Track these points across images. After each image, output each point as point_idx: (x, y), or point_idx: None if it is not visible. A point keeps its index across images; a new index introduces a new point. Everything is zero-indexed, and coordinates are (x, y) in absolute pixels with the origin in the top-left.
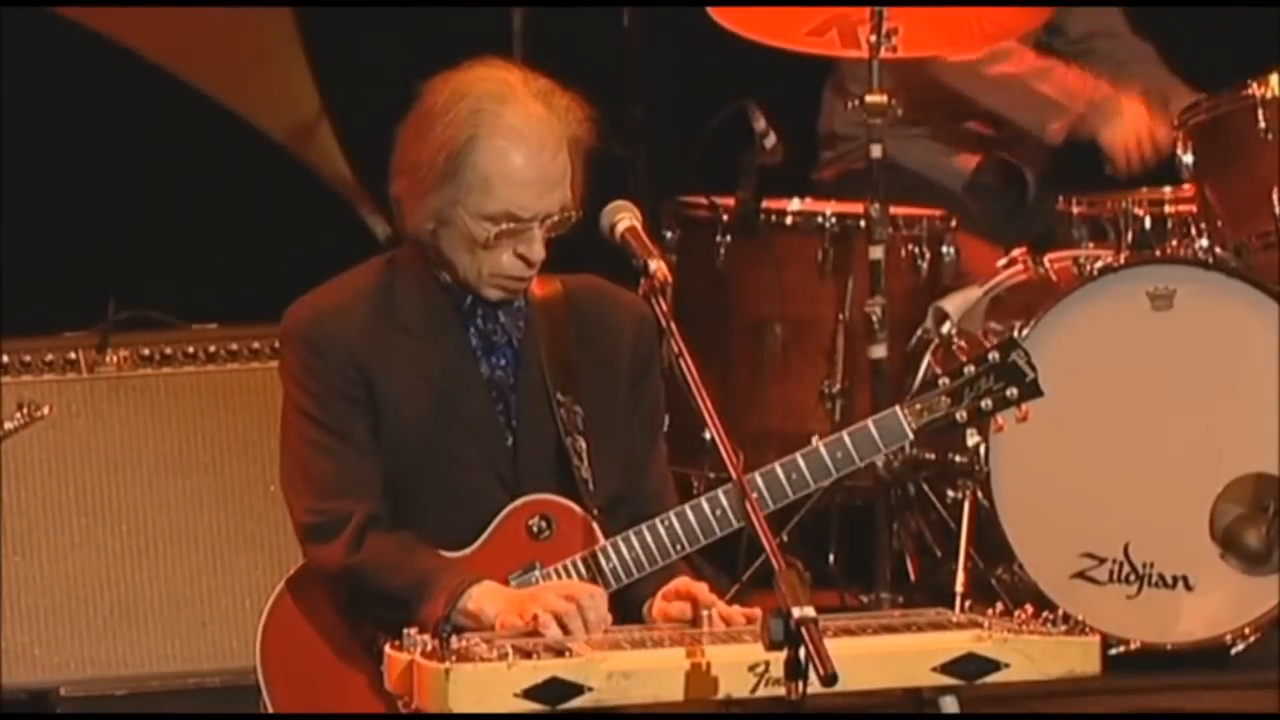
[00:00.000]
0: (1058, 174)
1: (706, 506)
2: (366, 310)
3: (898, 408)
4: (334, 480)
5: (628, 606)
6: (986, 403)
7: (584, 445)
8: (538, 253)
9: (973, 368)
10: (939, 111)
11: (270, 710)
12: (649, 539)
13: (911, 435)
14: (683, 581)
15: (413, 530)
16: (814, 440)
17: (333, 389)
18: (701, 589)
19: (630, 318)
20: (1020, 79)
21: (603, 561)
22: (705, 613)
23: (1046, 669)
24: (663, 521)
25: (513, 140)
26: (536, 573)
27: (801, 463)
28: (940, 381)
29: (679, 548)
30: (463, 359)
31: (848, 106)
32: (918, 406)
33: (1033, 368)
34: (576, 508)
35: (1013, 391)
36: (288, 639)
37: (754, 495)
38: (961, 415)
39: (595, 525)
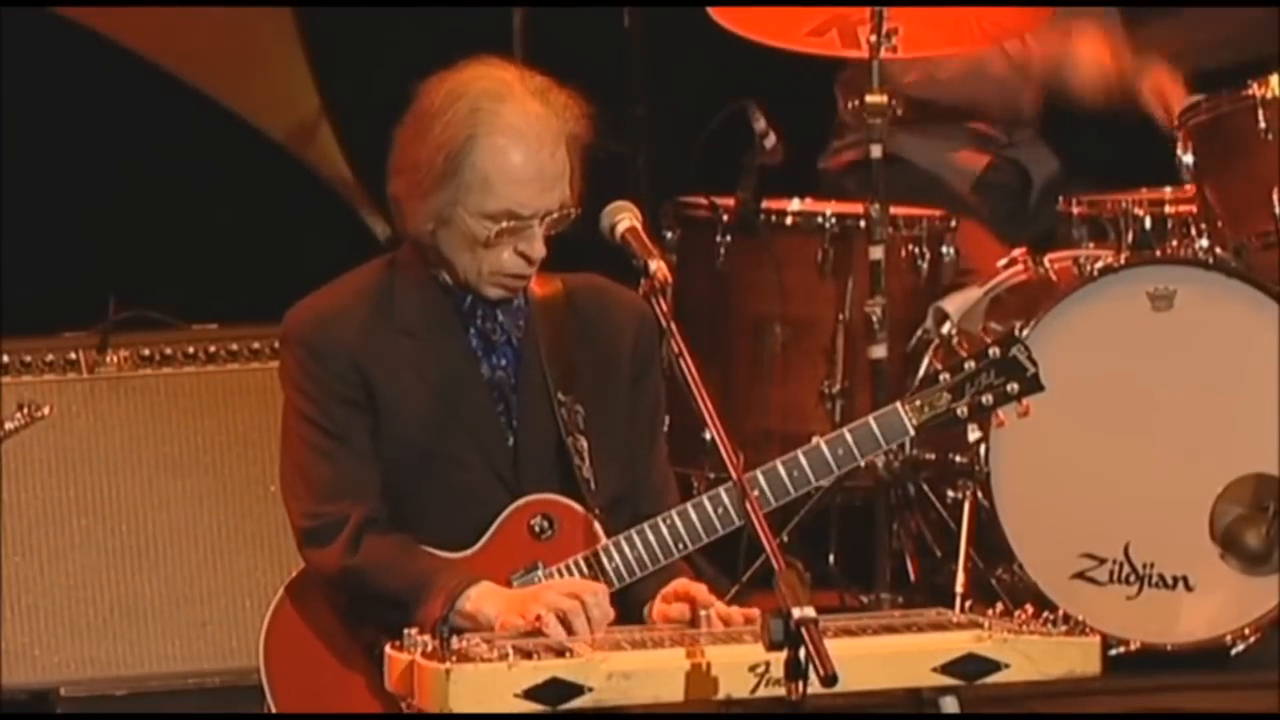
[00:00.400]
0: (1062, 176)
1: (708, 504)
2: (366, 312)
3: (899, 403)
4: (331, 484)
5: (629, 608)
6: (987, 398)
7: (585, 444)
8: (538, 250)
9: (973, 363)
10: (939, 110)
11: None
12: (651, 537)
13: (913, 431)
14: (681, 583)
15: (415, 532)
16: (815, 439)
17: (332, 393)
18: (700, 589)
19: (630, 316)
20: (972, 69)
21: (605, 561)
22: (703, 613)
23: (1047, 669)
24: (665, 520)
25: (511, 138)
26: (539, 572)
27: (803, 460)
28: (941, 377)
29: (681, 546)
30: (463, 360)
31: (848, 106)
32: (918, 402)
33: (1033, 362)
34: (578, 507)
35: (1013, 386)
36: (291, 644)
37: (754, 495)
38: (962, 410)
39: (597, 524)
